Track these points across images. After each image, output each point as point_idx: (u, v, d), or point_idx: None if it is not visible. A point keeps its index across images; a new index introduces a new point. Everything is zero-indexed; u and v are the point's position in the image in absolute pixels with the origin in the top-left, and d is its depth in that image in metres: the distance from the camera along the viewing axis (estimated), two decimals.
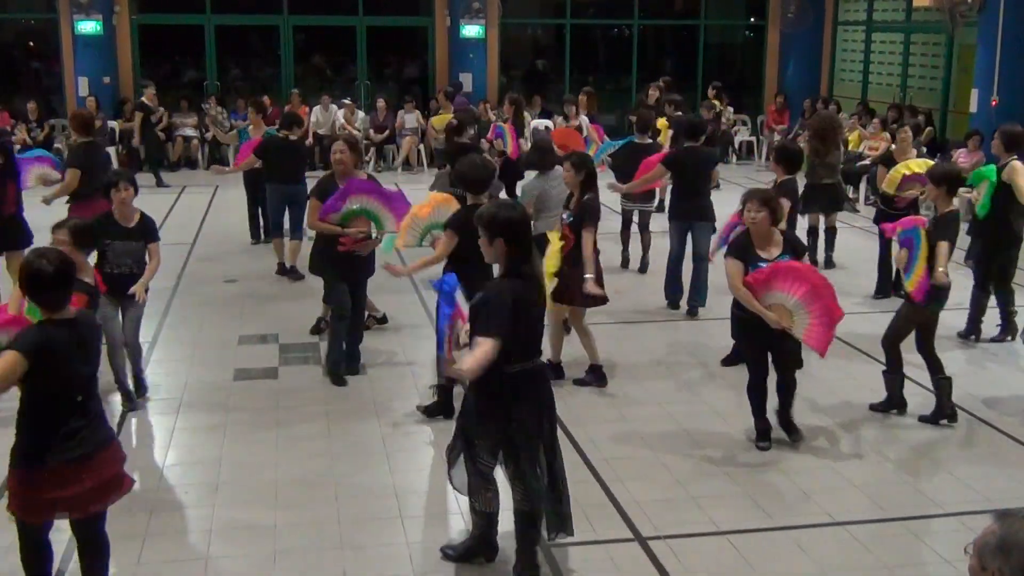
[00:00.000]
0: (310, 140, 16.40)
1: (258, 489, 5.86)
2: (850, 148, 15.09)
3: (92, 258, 6.49)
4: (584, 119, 13.36)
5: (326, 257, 7.50)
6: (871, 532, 5.41)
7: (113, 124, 17.32)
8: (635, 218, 10.99)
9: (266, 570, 5.02)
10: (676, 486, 5.93)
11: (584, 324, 7.47)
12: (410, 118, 17.66)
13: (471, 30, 19.10)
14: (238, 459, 6.27)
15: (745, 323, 6.37)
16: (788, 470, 6.14)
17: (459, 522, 5.48)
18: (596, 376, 7.51)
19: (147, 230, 7.04)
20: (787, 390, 6.56)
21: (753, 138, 19.54)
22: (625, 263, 10.98)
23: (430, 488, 5.93)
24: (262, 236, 11.85)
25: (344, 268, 7.45)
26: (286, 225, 10.55)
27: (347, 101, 17.94)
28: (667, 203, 10.10)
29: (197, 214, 13.58)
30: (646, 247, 10.88)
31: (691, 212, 9.11)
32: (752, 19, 21.90)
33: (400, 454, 6.37)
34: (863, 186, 14.65)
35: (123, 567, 5.01)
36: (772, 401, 6.58)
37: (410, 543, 5.25)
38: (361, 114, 17.97)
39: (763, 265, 6.18)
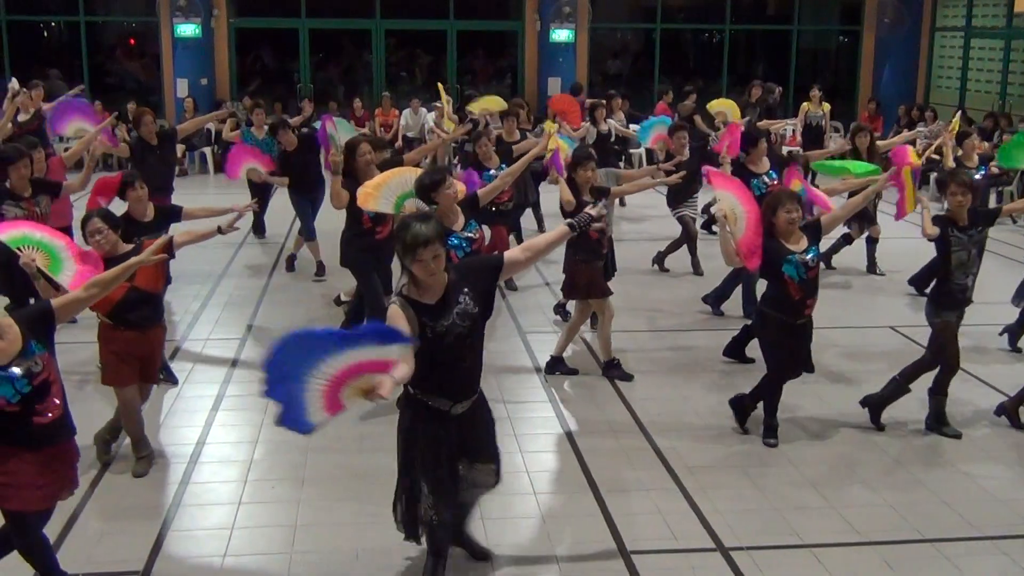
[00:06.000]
0: (399, 143, 16.56)
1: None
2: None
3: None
4: (612, 122, 13.20)
5: (355, 248, 7.69)
6: (962, 551, 5.27)
7: (210, 126, 17.71)
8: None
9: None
10: (759, 496, 5.85)
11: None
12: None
13: (561, 34, 19.13)
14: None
15: (778, 323, 6.36)
16: (877, 485, 6.01)
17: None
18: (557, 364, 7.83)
19: (166, 218, 7.41)
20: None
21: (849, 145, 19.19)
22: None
23: None
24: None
25: (371, 257, 7.64)
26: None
27: (438, 104, 18.04)
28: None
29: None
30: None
31: None
32: (846, 24, 21.52)
33: None
34: None
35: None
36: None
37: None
38: None
39: (794, 258, 6.18)
